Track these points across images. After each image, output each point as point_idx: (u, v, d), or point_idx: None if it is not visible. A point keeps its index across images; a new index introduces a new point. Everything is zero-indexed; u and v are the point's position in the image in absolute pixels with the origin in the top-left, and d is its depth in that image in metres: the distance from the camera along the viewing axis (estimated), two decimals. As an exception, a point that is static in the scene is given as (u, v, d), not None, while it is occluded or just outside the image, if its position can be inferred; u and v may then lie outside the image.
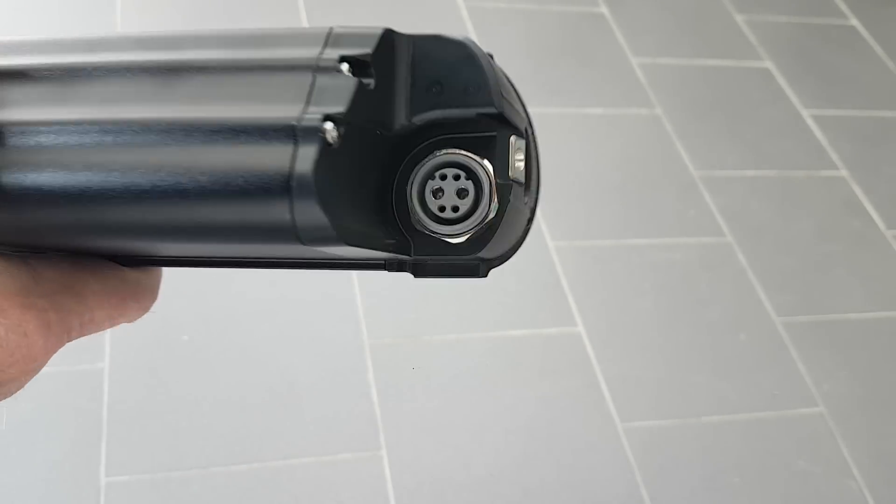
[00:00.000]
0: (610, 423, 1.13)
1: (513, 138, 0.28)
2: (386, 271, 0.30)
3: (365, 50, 0.25)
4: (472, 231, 0.27)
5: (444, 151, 0.27)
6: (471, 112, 0.27)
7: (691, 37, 1.74)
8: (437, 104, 0.27)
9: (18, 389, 0.27)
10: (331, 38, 0.26)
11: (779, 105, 1.64)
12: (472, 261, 0.28)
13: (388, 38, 0.26)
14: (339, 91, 0.24)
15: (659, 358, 1.22)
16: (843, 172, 1.54)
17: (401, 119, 0.26)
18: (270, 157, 0.23)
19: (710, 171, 1.48)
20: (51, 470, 0.98)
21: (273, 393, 1.08)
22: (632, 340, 1.23)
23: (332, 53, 0.25)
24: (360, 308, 1.18)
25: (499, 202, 0.27)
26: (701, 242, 1.37)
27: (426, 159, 0.27)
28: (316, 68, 0.24)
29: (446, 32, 0.27)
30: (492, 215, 0.27)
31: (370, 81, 0.25)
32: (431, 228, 0.27)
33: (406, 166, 0.27)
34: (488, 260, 0.29)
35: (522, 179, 0.28)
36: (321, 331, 1.15)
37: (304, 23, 1.54)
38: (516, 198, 0.28)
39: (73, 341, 0.27)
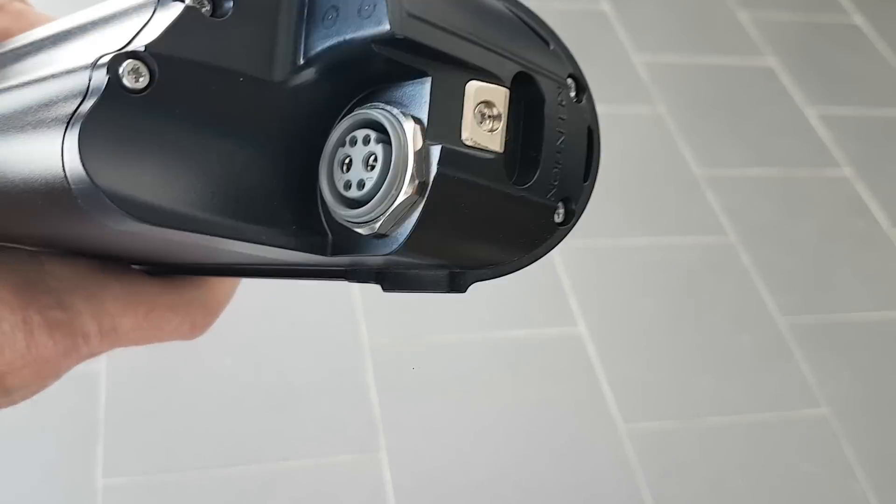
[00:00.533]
0: (611, 424, 1.12)
1: (472, 85, 0.20)
2: (346, 281, 0.23)
3: None
4: (386, 217, 0.20)
5: (362, 108, 0.20)
6: (360, 39, 0.19)
7: (694, 34, 1.73)
8: (332, 36, 0.20)
9: (27, 398, 0.25)
10: None
11: (782, 103, 1.63)
12: (426, 268, 0.21)
13: None
14: (159, 22, 0.19)
15: (661, 359, 1.21)
16: (848, 171, 1.53)
17: (293, 64, 0.20)
18: (61, 104, 0.19)
19: (712, 169, 1.47)
20: (47, 472, 0.97)
21: (271, 394, 1.07)
22: (634, 341, 1.22)
23: None
24: (360, 308, 1.17)
25: (416, 173, 0.19)
26: (703, 242, 1.36)
27: (341, 120, 0.21)
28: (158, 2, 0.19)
29: None
30: (406, 194, 0.19)
31: (217, 10, 0.19)
32: (338, 212, 0.21)
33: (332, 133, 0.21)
34: (455, 269, 0.22)
35: (494, 146, 0.20)
36: (320, 331, 1.15)
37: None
38: (471, 171, 0.20)
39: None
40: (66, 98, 0.19)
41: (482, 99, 0.20)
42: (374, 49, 0.19)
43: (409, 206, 0.19)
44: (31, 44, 0.24)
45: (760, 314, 1.29)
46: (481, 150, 0.20)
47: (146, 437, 1.01)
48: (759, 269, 1.34)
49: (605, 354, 1.19)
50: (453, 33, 0.20)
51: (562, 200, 0.23)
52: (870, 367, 1.26)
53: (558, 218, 0.23)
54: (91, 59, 0.19)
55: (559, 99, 0.22)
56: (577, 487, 1.06)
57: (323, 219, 0.21)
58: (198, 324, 0.27)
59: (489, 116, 0.20)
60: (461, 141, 0.20)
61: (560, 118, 0.22)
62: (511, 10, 0.22)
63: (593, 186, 0.24)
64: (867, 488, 1.12)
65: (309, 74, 0.20)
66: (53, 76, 0.20)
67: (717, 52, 1.70)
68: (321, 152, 0.21)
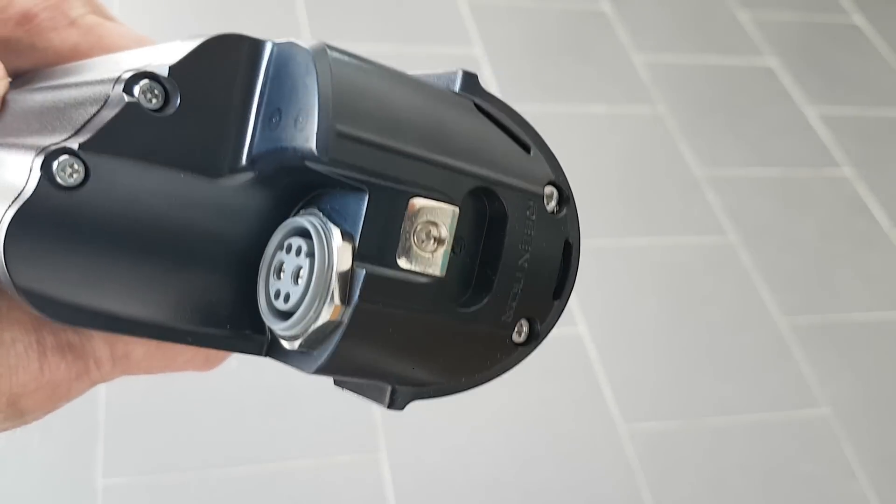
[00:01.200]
0: (612, 424, 1.12)
1: (415, 203, 0.18)
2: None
3: (162, 66, 0.19)
4: (305, 337, 0.19)
5: (301, 212, 0.19)
6: (293, 152, 0.18)
7: (694, 34, 1.73)
8: (272, 142, 0.19)
9: (38, 419, 0.25)
10: (164, 52, 0.20)
11: (783, 103, 1.63)
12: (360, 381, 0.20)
13: (210, 50, 0.19)
14: (100, 118, 0.19)
15: (661, 359, 1.21)
16: (848, 171, 1.53)
17: (237, 163, 0.19)
18: (1, 208, 0.18)
19: (713, 169, 1.47)
20: (47, 472, 0.97)
21: (271, 394, 1.07)
22: (634, 341, 1.22)
23: (138, 70, 0.19)
24: (360, 308, 1.17)
25: (340, 298, 0.18)
26: (704, 242, 1.36)
27: (283, 223, 0.20)
28: (114, 85, 0.19)
29: (303, 40, 0.19)
30: (325, 317, 0.18)
31: (161, 104, 0.18)
32: (267, 321, 0.20)
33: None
34: (392, 385, 0.20)
35: (433, 270, 0.19)
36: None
37: (304, 22, 1.53)
38: (402, 298, 0.18)
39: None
40: (14, 179, 0.19)
41: (425, 218, 0.19)
42: (306, 164, 0.18)
43: (329, 328, 0.18)
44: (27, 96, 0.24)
45: (761, 314, 1.28)
46: (418, 273, 0.19)
47: (146, 438, 1.01)
48: (759, 269, 1.34)
49: (605, 354, 1.19)
50: (393, 150, 0.18)
51: (525, 319, 0.21)
52: (870, 368, 1.26)
53: (518, 338, 0.21)
54: (36, 147, 0.19)
55: (528, 213, 0.21)
56: (577, 487, 1.06)
57: (262, 318, 0.20)
58: (212, 357, 0.26)
59: (433, 237, 0.19)
60: (395, 263, 0.18)
61: (527, 233, 0.21)
62: (486, 112, 0.21)
63: (566, 302, 0.22)
64: (867, 488, 1.12)
65: (251, 175, 0.19)
66: (13, 148, 0.20)
67: (718, 52, 1.70)
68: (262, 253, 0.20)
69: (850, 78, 1.71)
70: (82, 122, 0.19)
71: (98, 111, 0.19)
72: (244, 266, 0.20)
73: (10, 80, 0.26)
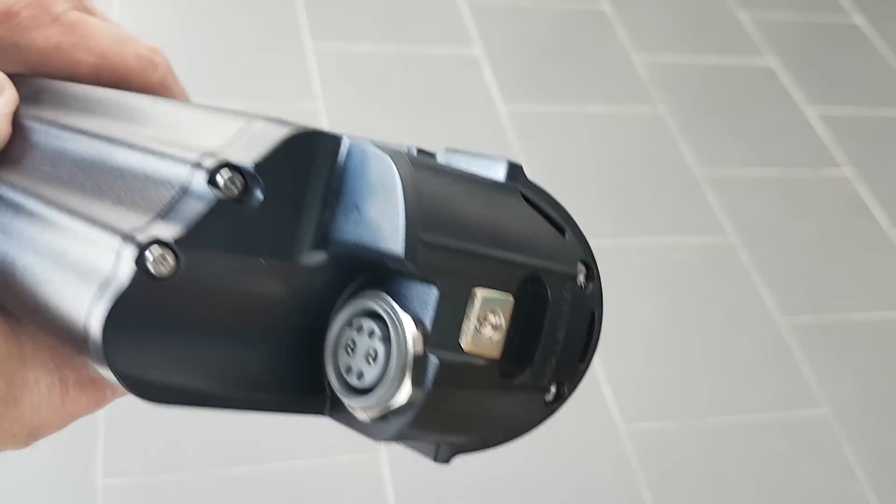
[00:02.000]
0: (612, 424, 1.12)
1: (479, 294, 0.20)
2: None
3: (247, 159, 0.19)
4: (378, 411, 0.20)
5: (368, 293, 0.21)
6: (375, 250, 0.20)
7: (694, 34, 1.73)
8: (352, 235, 0.20)
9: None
10: (234, 134, 0.20)
11: (782, 103, 1.63)
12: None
13: (293, 146, 0.20)
14: (190, 211, 0.19)
15: (661, 358, 1.21)
16: (848, 171, 1.53)
17: (310, 247, 0.21)
18: (87, 272, 0.19)
19: (713, 169, 1.47)
20: (47, 472, 0.97)
21: (272, 394, 1.07)
22: (634, 341, 1.22)
23: (216, 157, 0.20)
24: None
25: (413, 382, 0.20)
26: (704, 242, 1.36)
27: (350, 300, 0.21)
28: (192, 169, 0.20)
29: (382, 143, 0.20)
30: (401, 399, 0.20)
31: (248, 200, 0.20)
32: (337, 391, 0.21)
33: (340, 303, 0.21)
34: (442, 446, 0.22)
35: (493, 354, 0.21)
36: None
37: (304, 22, 1.53)
38: (467, 380, 0.20)
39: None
40: (95, 259, 0.19)
41: (487, 307, 0.21)
42: (386, 261, 0.20)
43: (403, 408, 0.20)
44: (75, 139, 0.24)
45: (760, 314, 1.28)
46: (479, 356, 0.21)
47: (146, 438, 1.01)
48: (759, 269, 1.34)
49: (605, 354, 1.19)
50: (465, 252, 0.20)
51: (555, 382, 0.23)
52: (869, 367, 1.26)
53: (548, 398, 0.23)
54: (119, 230, 0.19)
55: (565, 294, 0.23)
56: (577, 487, 1.06)
57: (325, 381, 0.22)
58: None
59: (492, 324, 0.21)
60: (461, 348, 0.20)
61: (563, 310, 0.23)
62: (528, 199, 0.23)
63: (589, 364, 0.24)
64: (867, 488, 1.12)
65: (325, 257, 0.21)
66: (87, 221, 0.20)
67: (717, 52, 1.70)
68: (327, 320, 0.22)
69: (849, 78, 1.71)
70: (163, 206, 0.20)
71: (180, 197, 0.20)
72: (309, 335, 0.22)
73: (17, 94, 0.25)
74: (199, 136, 0.21)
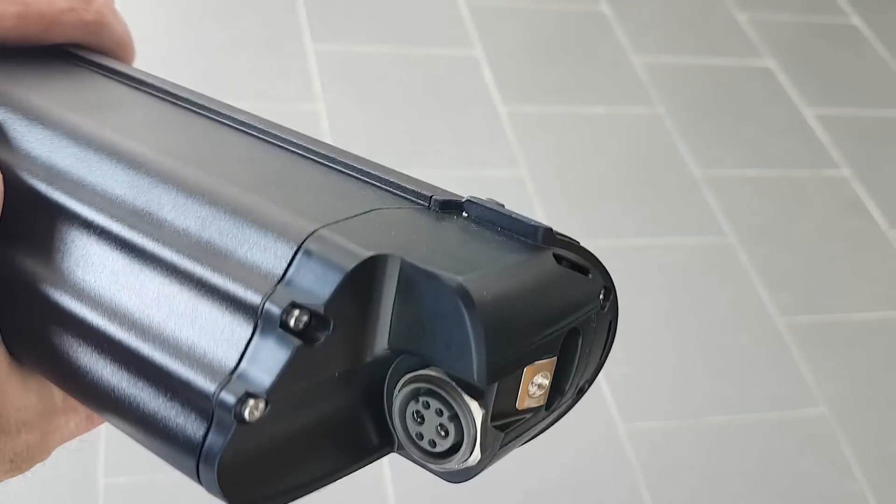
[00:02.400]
0: (611, 424, 1.12)
1: (530, 368, 0.23)
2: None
3: (318, 301, 0.21)
4: (453, 472, 0.24)
5: (427, 372, 0.22)
6: (444, 368, 0.22)
7: (693, 35, 1.73)
8: (417, 347, 0.22)
9: None
10: (293, 266, 0.21)
11: (781, 104, 1.63)
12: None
13: (356, 275, 0.21)
14: (273, 359, 0.21)
15: (660, 358, 1.21)
16: (846, 172, 1.53)
17: (380, 346, 0.22)
18: (186, 423, 0.22)
19: (711, 170, 1.47)
20: (49, 471, 0.97)
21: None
22: (633, 341, 1.22)
23: (283, 298, 0.21)
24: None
25: (482, 449, 0.22)
26: (702, 242, 1.37)
27: (409, 376, 0.23)
28: (259, 316, 0.21)
29: (443, 273, 0.21)
30: (474, 462, 0.23)
31: (321, 337, 0.21)
32: (411, 452, 0.24)
33: (399, 371, 0.23)
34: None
35: (540, 403, 0.24)
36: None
37: (304, 22, 1.54)
38: (522, 430, 0.24)
39: None
40: (191, 411, 0.22)
41: (536, 374, 0.23)
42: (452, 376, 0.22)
43: (475, 466, 0.23)
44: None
45: (759, 314, 1.29)
46: (531, 410, 0.23)
47: (148, 437, 1.01)
48: (757, 269, 1.34)
49: (604, 354, 1.19)
50: (522, 349, 0.22)
51: (578, 389, 0.26)
52: (868, 367, 1.26)
53: (570, 402, 0.26)
54: (207, 390, 0.21)
55: (592, 325, 0.25)
56: (577, 486, 1.06)
57: (391, 427, 0.24)
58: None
59: (538, 385, 0.23)
60: (517, 411, 0.23)
61: (590, 337, 0.25)
62: (559, 257, 0.24)
63: (605, 363, 0.27)
64: (865, 487, 1.12)
65: (387, 353, 0.23)
66: (175, 371, 0.22)
67: (716, 54, 1.70)
68: (384, 376, 0.24)
69: (847, 79, 1.72)
70: (241, 351, 0.21)
71: (256, 341, 0.21)
72: (370, 397, 0.24)
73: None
74: (255, 268, 0.22)
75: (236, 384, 0.21)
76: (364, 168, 0.25)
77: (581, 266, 0.25)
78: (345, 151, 0.26)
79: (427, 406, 0.22)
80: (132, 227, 0.23)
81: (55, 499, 0.96)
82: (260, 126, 0.27)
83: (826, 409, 1.19)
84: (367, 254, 0.21)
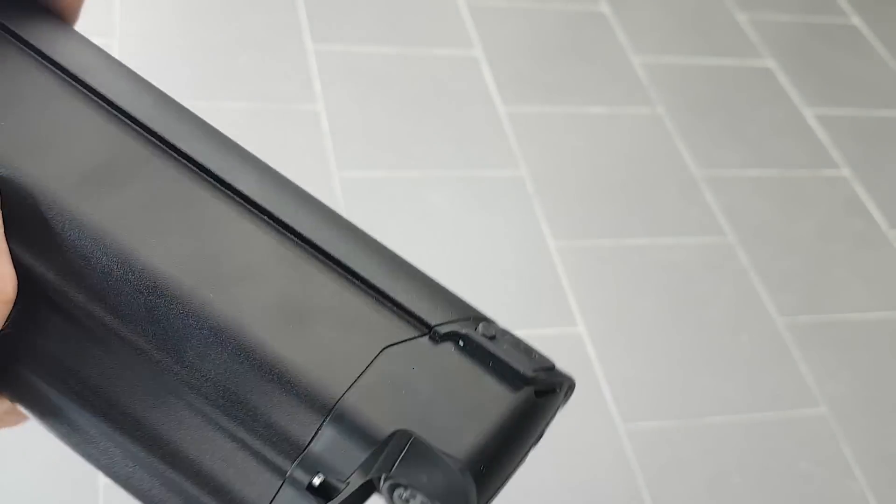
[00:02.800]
0: (611, 423, 1.12)
1: None
2: None
3: (342, 475, 0.24)
4: None
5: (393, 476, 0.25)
6: None
7: (692, 35, 1.73)
8: (414, 485, 0.25)
9: None
10: (318, 436, 0.24)
11: (780, 104, 1.63)
12: None
13: (379, 446, 0.24)
14: None
15: (660, 358, 1.21)
16: (846, 172, 1.53)
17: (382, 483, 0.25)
18: None
19: (711, 170, 1.48)
20: (49, 471, 0.97)
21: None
22: (633, 341, 1.22)
23: (310, 467, 0.24)
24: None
25: None
26: (702, 242, 1.37)
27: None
28: (286, 477, 0.24)
29: (450, 459, 0.25)
30: None
31: (339, 491, 0.24)
32: None
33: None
34: None
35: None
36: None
37: (304, 22, 1.54)
38: None
39: None
40: None
41: None
42: None
43: None
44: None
45: (759, 314, 1.29)
46: None
47: (148, 437, 1.01)
48: (757, 269, 1.34)
49: (604, 354, 1.19)
50: (507, 480, 0.27)
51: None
52: (868, 367, 1.26)
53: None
54: None
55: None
56: (577, 486, 1.06)
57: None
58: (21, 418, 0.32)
59: None
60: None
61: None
62: (539, 391, 0.27)
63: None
64: (865, 487, 1.12)
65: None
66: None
67: (716, 54, 1.70)
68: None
69: (847, 79, 1.72)
70: (266, 500, 0.24)
71: (278, 491, 0.24)
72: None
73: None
74: (284, 431, 0.25)
75: None
76: (373, 280, 0.27)
77: (554, 385, 0.28)
78: (352, 234, 0.28)
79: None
80: (158, 363, 0.26)
81: (55, 499, 0.96)
82: (257, 199, 0.28)
83: (826, 408, 1.20)
84: (387, 432, 0.24)
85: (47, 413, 0.27)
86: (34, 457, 0.98)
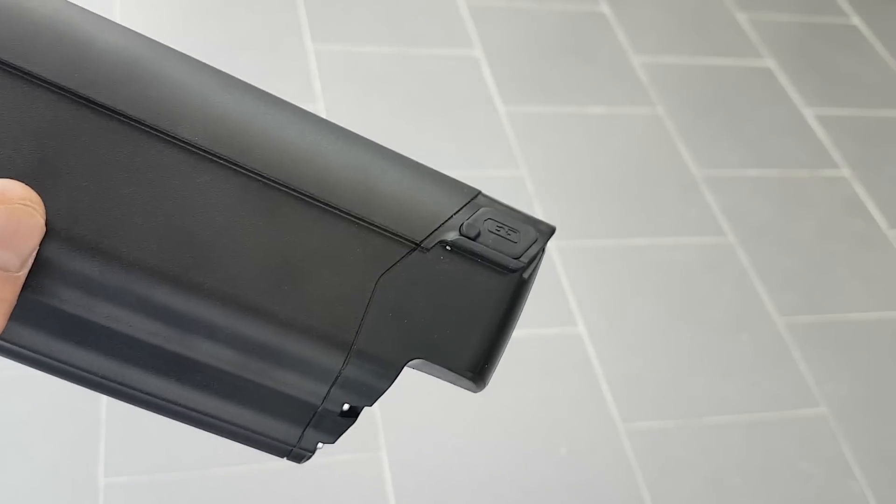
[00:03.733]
0: (611, 423, 1.12)
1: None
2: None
3: (366, 402, 0.29)
4: None
5: None
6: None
7: (692, 36, 1.73)
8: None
9: None
10: (345, 368, 0.27)
11: (780, 104, 1.63)
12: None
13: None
14: (331, 429, 0.29)
15: (660, 358, 1.21)
16: (845, 172, 1.53)
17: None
18: (273, 448, 0.29)
19: (711, 170, 1.48)
20: (49, 471, 0.97)
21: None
22: (633, 340, 1.22)
23: (337, 398, 0.28)
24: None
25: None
26: (702, 242, 1.37)
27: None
28: (318, 407, 0.28)
29: (461, 377, 0.29)
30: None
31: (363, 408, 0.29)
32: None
33: None
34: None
35: None
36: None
37: (304, 22, 1.54)
38: None
39: None
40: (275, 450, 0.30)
41: None
42: None
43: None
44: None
45: (759, 314, 1.29)
46: None
47: (148, 437, 1.01)
48: (757, 269, 1.34)
49: (604, 354, 1.19)
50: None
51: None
52: (868, 367, 1.26)
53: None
54: (289, 445, 0.29)
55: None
56: (576, 486, 1.06)
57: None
58: None
59: None
60: None
61: None
62: (526, 276, 0.30)
63: None
64: (865, 487, 1.12)
65: None
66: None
67: (716, 54, 1.70)
68: None
69: (847, 79, 1.72)
70: (305, 422, 0.29)
71: (312, 418, 0.29)
72: None
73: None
74: (310, 371, 0.28)
75: (304, 444, 0.29)
76: (348, 206, 0.27)
77: (538, 253, 0.30)
78: (313, 149, 0.28)
79: None
80: (175, 353, 0.28)
81: (55, 499, 0.96)
82: (232, 154, 0.27)
83: (826, 408, 1.20)
84: (401, 368, 0.28)
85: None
86: (34, 457, 0.98)
